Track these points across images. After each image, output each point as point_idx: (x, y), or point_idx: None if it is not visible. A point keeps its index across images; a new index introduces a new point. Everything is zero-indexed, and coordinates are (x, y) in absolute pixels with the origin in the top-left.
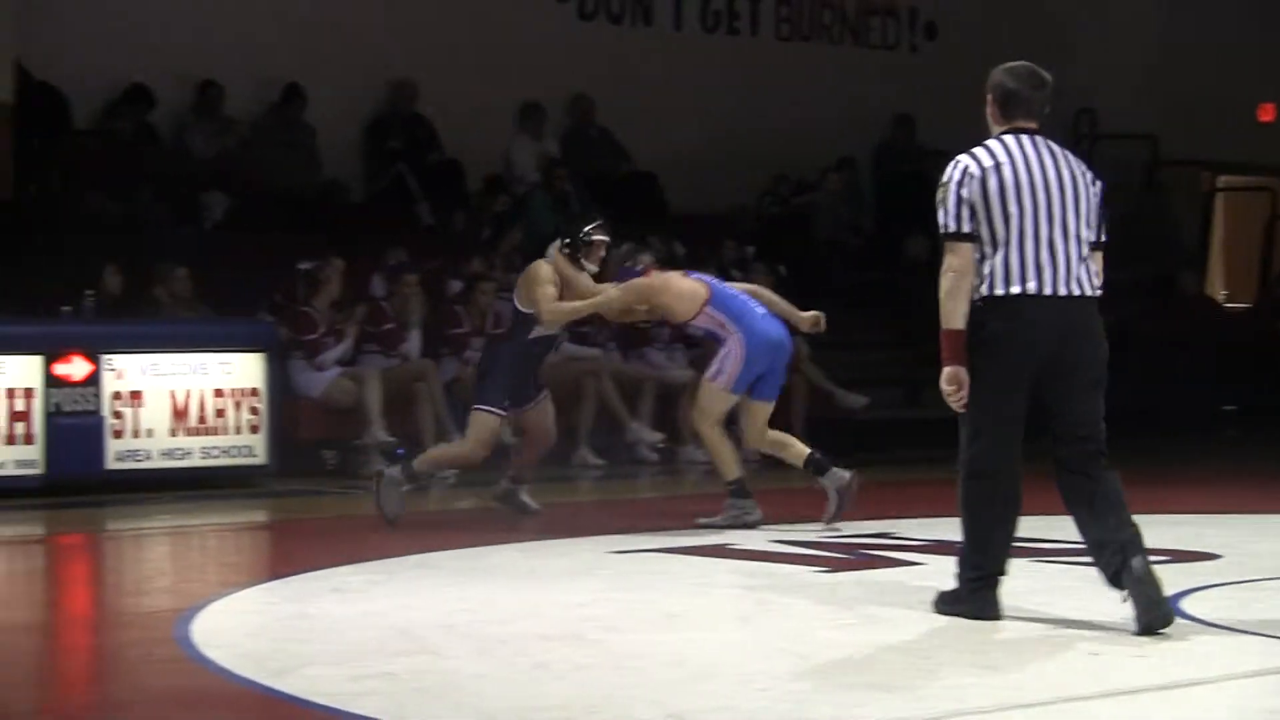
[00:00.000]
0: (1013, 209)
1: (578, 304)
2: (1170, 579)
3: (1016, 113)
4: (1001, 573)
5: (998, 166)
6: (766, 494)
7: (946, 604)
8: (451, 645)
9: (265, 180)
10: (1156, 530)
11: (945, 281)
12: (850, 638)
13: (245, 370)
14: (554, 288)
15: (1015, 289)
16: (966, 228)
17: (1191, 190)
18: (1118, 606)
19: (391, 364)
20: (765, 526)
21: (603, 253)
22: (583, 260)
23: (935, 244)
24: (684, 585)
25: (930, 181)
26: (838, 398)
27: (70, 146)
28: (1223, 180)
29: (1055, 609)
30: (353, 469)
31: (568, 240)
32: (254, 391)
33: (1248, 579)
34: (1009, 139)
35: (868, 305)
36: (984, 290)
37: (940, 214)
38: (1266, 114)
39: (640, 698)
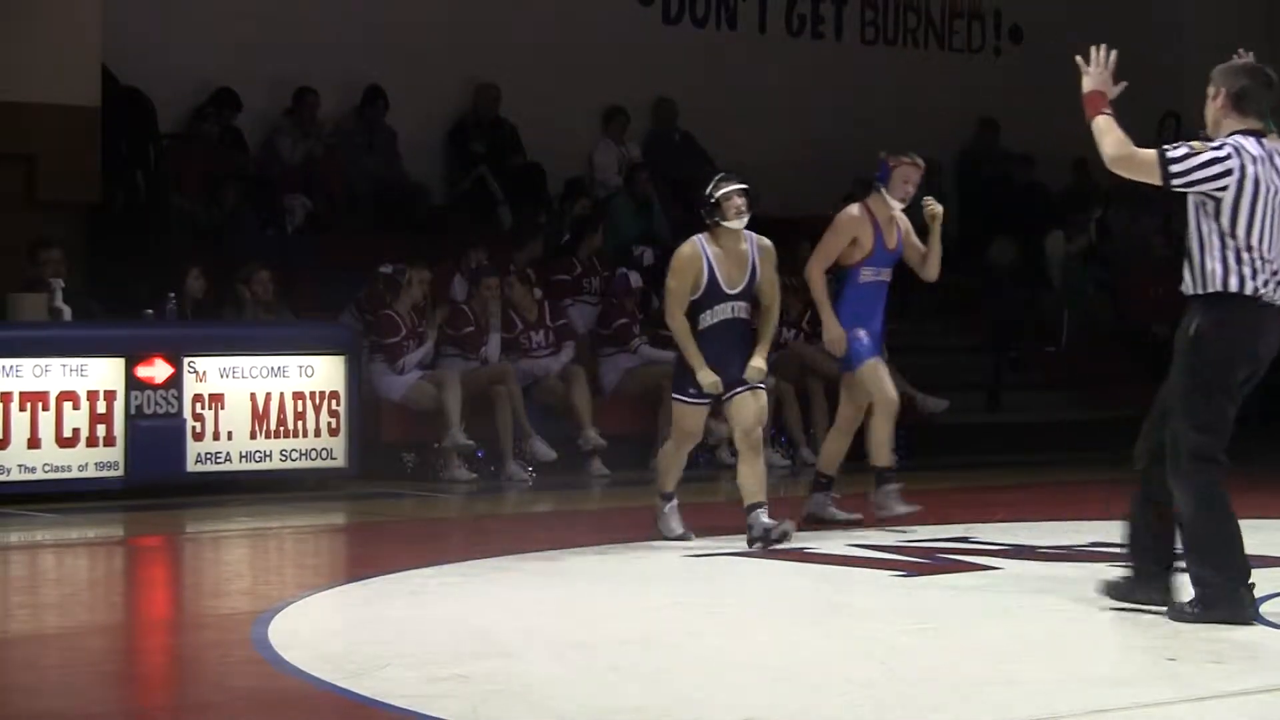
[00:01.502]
0: (1258, 216)
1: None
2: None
3: (1250, 111)
4: (1249, 569)
5: (1256, 172)
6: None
7: (1197, 609)
8: (527, 648)
9: (348, 183)
10: (1253, 536)
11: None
12: (928, 642)
13: (326, 373)
14: (685, 278)
15: (1249, 291)
16: (1175, 181)
17: None
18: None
19: (471, 367)
20: (845, 528)
21: (741, 200)
22: (723, 221)
23: (1020, 247)
24: (762, 589)
25: (1014, 186)
26: (918, 401)
27: (156, 150)
28: None
29: (1135, 615)
30: (432, 472)
31: (702, 210)
32: (334, 394)
33: None
34: (1253, 144)
35: (950, 309)
36: (1223, 286)
37: (1182, 159)
38: None
39: (716, 701)
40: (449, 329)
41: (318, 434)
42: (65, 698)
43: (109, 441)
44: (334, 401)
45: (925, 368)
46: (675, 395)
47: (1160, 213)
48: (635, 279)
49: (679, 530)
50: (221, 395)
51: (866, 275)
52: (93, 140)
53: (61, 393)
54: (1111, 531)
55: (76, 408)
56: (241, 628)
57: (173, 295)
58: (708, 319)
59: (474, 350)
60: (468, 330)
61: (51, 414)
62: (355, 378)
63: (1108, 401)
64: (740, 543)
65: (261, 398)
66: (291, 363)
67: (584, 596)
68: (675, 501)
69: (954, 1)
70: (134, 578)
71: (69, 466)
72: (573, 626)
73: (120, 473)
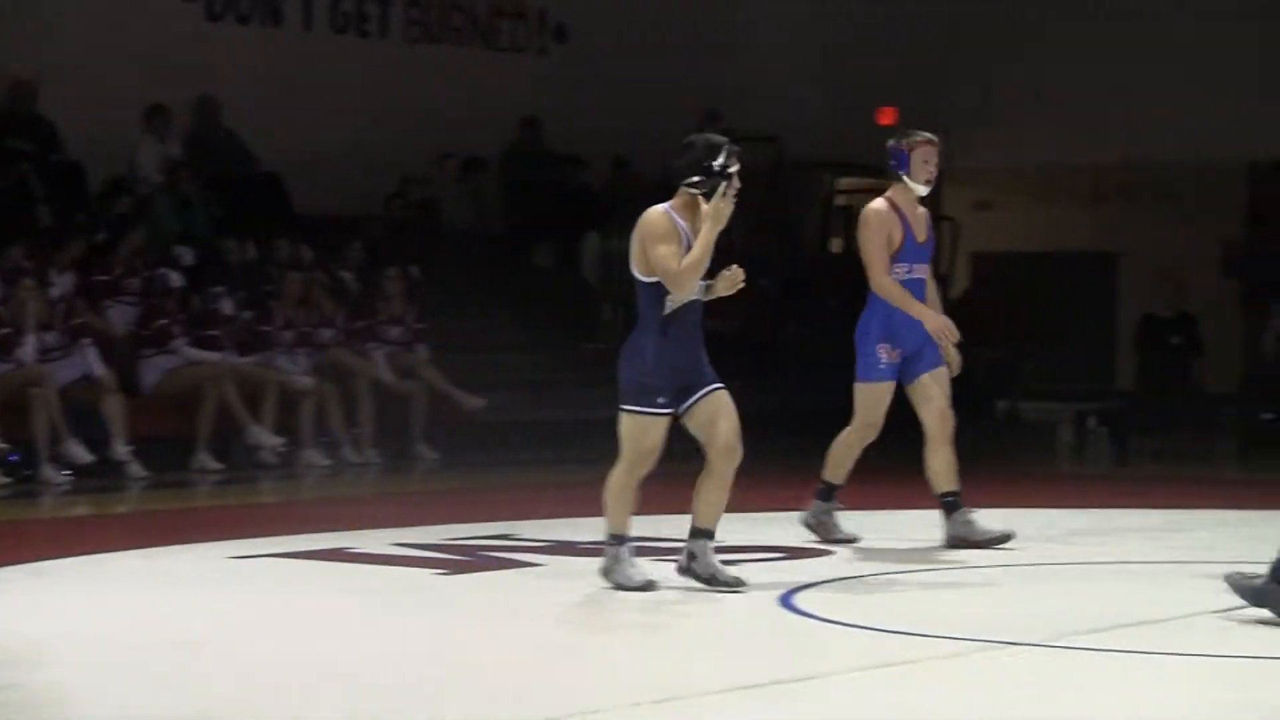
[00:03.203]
0: None
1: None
2: (784, 575)
3: None
4: None
5: None
6: (402, 499)
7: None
8: (62, 654)
9: None
10: (772, 528)
11: None
12: (471, 639)
13: None
14: (677, 245)
15: None
16: None
17: (813, 193)
18: (738, 603)
19: (6, 369)
20: (388, 528)
21: (739, 184)
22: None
23: (561, 250)
24: (304, 590)
25: (562, 187)
26: (456, 399)
27: None
28: (843, 183)
29: (680, 609)
30: None
31: (697, 179)
32: None
33: (858, 574)
34: None
35: (496, 308)
36: None
37: None
38: (886, 117)
39: (259, 705)
40: None
41: None
42: None
43: None
44: None
45: (470, 365)
46: (631, 408)
47: None
48: (176, 278)
49: (640, 580)
50: None
51: (899, 273)
52: None
53: None
54: (655, 526)
55: None
56: None
57: None
58: (675, 303)
59: (8, 352)
60: (3, 332)
61: None
62: None
63: None
64: (288, 543)
65: None
66: None
67: (123, 601)
68: (631, 545)
69: (499, 1)
70: None
71: None
72: (110, 632)
73: None
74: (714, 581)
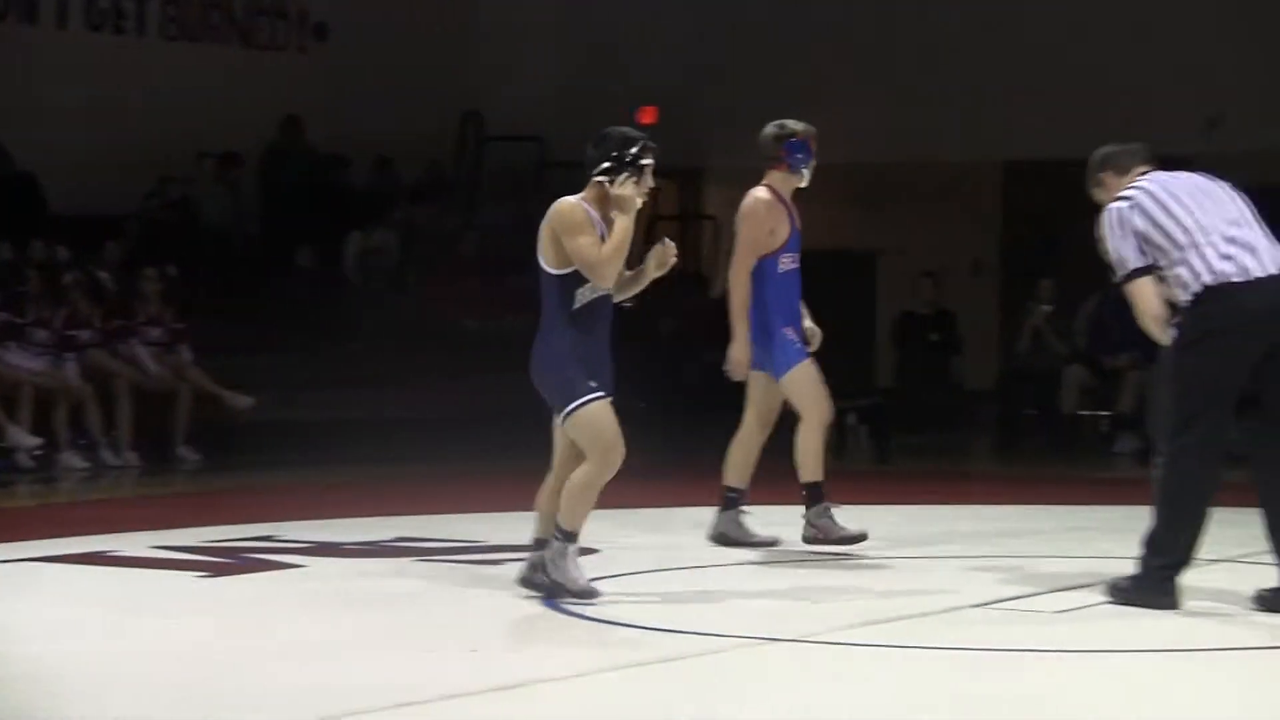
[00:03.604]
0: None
1: (619, 233)
2: None
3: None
4: (1189, 562)
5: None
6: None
7: (1124, 592)
8: None
9: None
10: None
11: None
12: (233, 642)
13: None
14: (595, 235)
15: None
16: None
17: (577, 192)
18: (505, 604)
19: None
20: (147, 530)
21: (651, 181)
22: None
23: (321, 250)
24: (60, 595)
25: (323, 186)
26: (225, 399)
27: None
28: None
29: (447, 610)
30: None
31: (607, 167)
32: None
33: (622, 573)
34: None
35: (257, 308)
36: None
37: None
38: (647, 116)
39: (21, 713)
40: None
41: None
42: None
43: None
44: None
45: (228, 366)
46: (569, 408)
47: (465, 208)
48: None
49: (582, 584)
50: None
51: (785, 264)
52: None
53: None
54: (415, 526)
55: None
56: None
57: None
58: (587, 296)
59: None
60: None
61: None
62: None
63: (410, 399)
64: (45, 547)
65: None
66: None
67: None
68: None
69: None
70: None
71: None
72: None
73: None
74: (560, 591)
